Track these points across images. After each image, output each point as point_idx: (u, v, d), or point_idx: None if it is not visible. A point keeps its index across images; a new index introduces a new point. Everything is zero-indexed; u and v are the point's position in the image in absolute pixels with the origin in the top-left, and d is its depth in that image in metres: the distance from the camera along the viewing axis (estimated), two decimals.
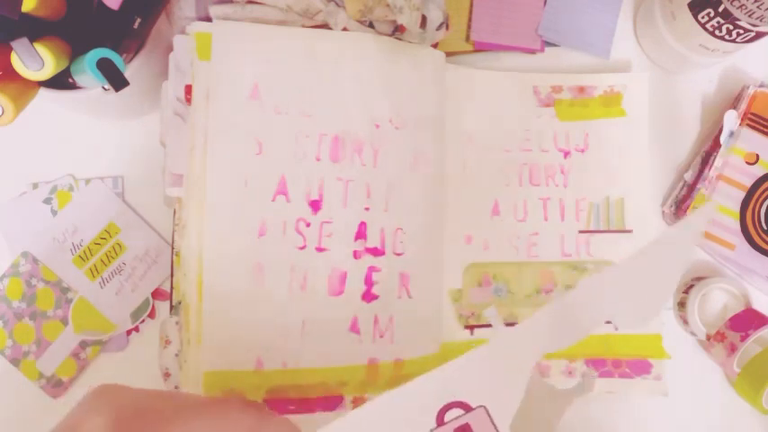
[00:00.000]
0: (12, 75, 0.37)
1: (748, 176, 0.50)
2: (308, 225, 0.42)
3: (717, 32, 0.47)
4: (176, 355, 0.42)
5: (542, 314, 0.28)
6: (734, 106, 0.52)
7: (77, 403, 0.30)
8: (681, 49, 0.51)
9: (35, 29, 0.37)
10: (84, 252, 0.49)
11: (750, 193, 0.50)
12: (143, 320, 0.49)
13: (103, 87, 0.42)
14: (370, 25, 0.45)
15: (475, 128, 0.52)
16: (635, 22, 0.55)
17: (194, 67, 0.41)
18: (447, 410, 0.28)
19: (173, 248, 0.43)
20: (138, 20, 0.40)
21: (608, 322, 0.50)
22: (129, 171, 0.50)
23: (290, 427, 0.32)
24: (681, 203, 0.51)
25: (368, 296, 0.43)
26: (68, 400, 0.48)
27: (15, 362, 0.48)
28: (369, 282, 0.43)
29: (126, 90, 0.38)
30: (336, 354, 0.42)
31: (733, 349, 0.48)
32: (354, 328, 0.43)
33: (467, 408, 0.28)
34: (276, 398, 0.41)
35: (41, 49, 0.36)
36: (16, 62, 0.36)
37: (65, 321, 0.48)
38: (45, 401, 0.48)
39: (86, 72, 0.37)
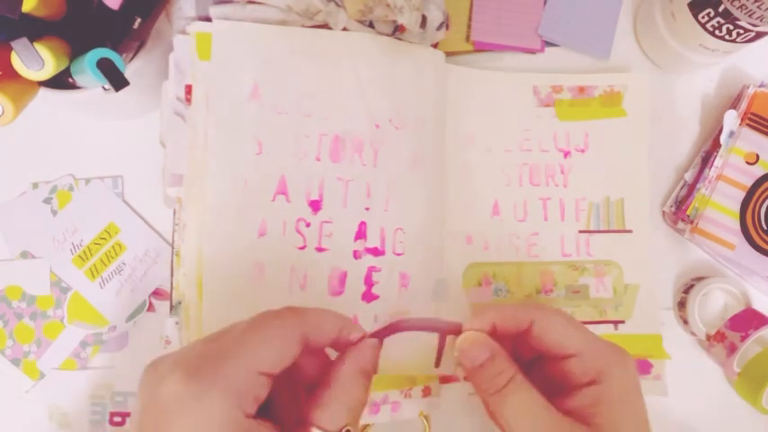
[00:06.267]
0: (12, 75, 0.37)
1: (748, 176, 0.50)
2: (308, 225, 0.42)
3: (717, 32, 0.46)
4: None
5: None
6: (734, 106, 0.52)
7: (140, 385, 0.32)
8: (681, 49, 0.51)
9: (35, 29, 0.37)
10: (84, 252, 0.49)
11: (750, 193, 0.50)
12: None
13: (103, 87, 0.42)
14: (370, 25, 0.45)
15: (475, 128, 0.52)
16: (635, 22, 0.55)
17: (194, 67, 0.42)
18: None
19: (173, 248, 0.43)
20: (138, 20, 0.40)
21: (607, 322, 0.50)
22: (129, 171, 0.50)
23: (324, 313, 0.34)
24: (681, 203, 0.51)
25: (368, 296, 0.43)
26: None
27: (16, 361, 0.48)
28: (369, 282, 0.43)
29: (126, 90, 0.38)
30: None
31: (733, 349, 0.48)
32: None
33: None
34: None
35: (41, 49, 0.36)
36: (16, 62, 0.36)
37: (65, 321, 0.48)
38: (46, 401, 0.48)
39: (86, 72, 0.37)
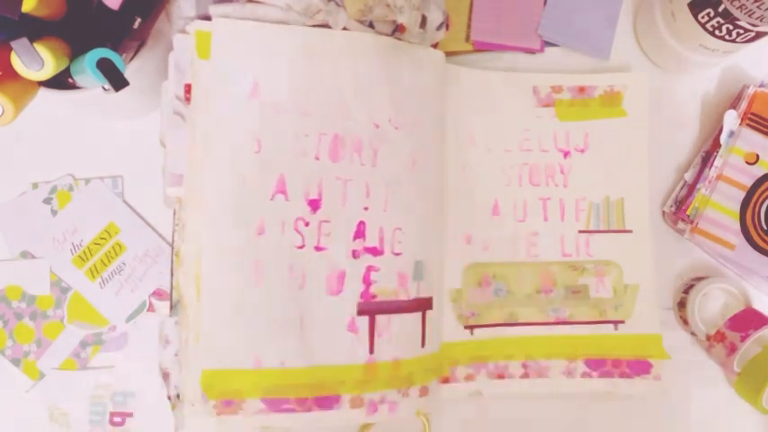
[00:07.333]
0: (12, 75, 0.37)
1: (748, 176, 0.50)
2: (307, 224, 0.42)
3: (717, 32, 0.46)
4: (176, 354, 0.42)
5: None
6: (734, 106, 0.52)
7: None
8: (681, 49, 0.51)
9: (35, 29, 0.37)
10: (84, 252, 0.49)
11: (750, 193, 0.50)
12: None
13: (103, 87, 0.42)
14: (371, 25, 0.45)
15: (475, 128, 0.52)
16: (635, 22, 0.55)
17: (194, 66, 0.41)
18: None
19: (173, 248, 0.43)
20: (138, 20, 0.40)
21: (608, 322, 0.50)
22: (129, 171, 0.51)
23: None
24: (681, 203, 0.51)
25: (366, 295, 0.43)
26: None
27: (16, 362, 0.48)
28: (367, 281, 0.43)
29: (126, 90, 0.38)
30: (334, 353, 0.42)
31: (733, 349, 0.48)
32: (353, 328, 0.43)
33: None
34: (274, 397, 0.41)
35: (41, 49, 0.36)
36: (16, 62, 0.36)
37: (65, 321, 0.49)
38: (46, 401, 0.48)
39: (86, 72, 0.37)
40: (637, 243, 0.51)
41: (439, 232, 0.48)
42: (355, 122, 0.44)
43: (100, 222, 0.49)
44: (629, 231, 0.51)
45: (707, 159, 0.52)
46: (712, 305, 0.52)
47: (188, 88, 0.42)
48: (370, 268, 0.44)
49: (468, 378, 0.49)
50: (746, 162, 0.50)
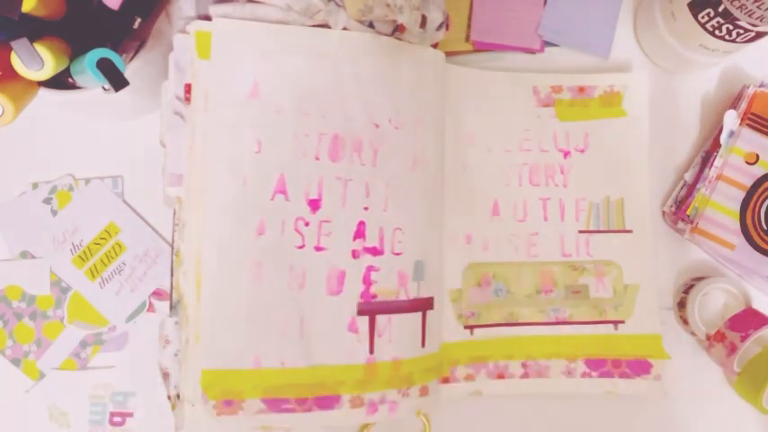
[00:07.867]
0: (12, 75, 0.37)
1: (748, 176, 0.50)
2: (307, 224, 0.42)
3: (717, 32, 0.46)
4: (176, 354, 0.42)
5: None
6: (734, 106, 0.52)
7: None
8: (681, 49, 0.51)
9: (35, 29, 0.37)
10: (84, 252, 0.49)
11: (750, 193, 0.50)
12: None
13: (103, 87, 0.42)
14: (371, 25, 0.45)
15: (475, 128, 0.52)
16: (635, 22, 0.55)
17: (194, 66, 0.41)
18: None
19: (173, 248, 0.43)
20: (138, 20, 0.40)
21: (607, 321, 0.50)
22: (129, 171, 0.51)
23: None
24: (681, 203, 0.51)
25: (366, 295, 0.43)
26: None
27: (16, 362, 0.48)
28: (367, 281, 0.43)
29: (126, 90, 0.38)
30: (334, 353, 0.42)
31: (733, 349, 0.48)
32: (353, 328, 0.43)
33: None
34: (274, 397, 0.41)
35: (41, 49, 0.36)
36: (16, 62, 0.36)
37: (65, 321, 0.49)
38: (46, 401, 0.48)
39: (86, 72, 0.37)
40: (637, 243, 0.51)
41: (439, 232, 0.48)
42: (355, 122, 0.44)
43: (100, 222, 0.49)
44: (629, 231, 0.51)
45: (707, 159, 0.52)
46: (712, 305, 0.52)
47: (188, 88, 0.42)
48: (370, 268, 0.44)
49: (468, 378, 0.49)
50: (746, 162, 0.50)
